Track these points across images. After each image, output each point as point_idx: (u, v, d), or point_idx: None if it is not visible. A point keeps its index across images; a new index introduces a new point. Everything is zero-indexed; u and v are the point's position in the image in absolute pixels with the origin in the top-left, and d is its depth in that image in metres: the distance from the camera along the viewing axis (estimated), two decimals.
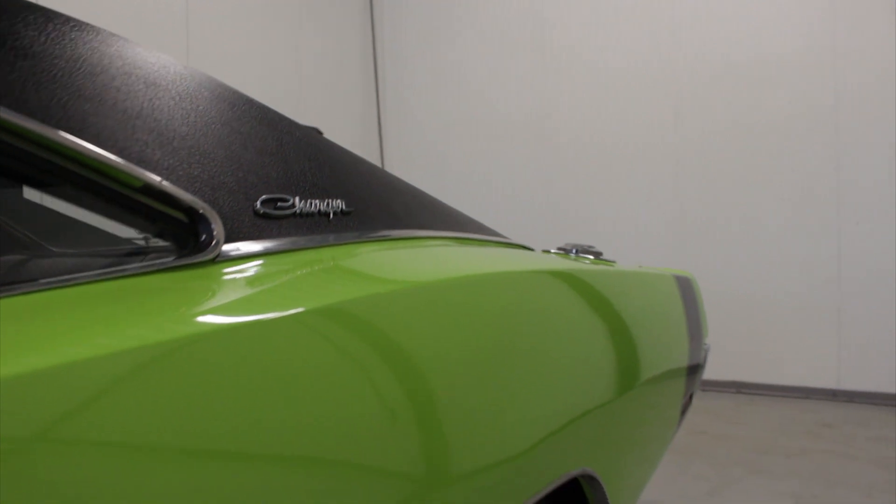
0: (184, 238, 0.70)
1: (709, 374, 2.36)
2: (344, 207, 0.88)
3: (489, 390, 0.84)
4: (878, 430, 3.32)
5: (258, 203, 0.76)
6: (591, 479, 1.08)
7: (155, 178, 0.67)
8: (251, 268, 0.72)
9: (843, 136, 3.84)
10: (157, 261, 0.68)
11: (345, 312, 0.70)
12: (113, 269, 0.64)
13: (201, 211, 0.70)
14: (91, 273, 0.62)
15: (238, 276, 0.69)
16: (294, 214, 0.80)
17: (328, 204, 0.86)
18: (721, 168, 4.14)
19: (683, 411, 1.63)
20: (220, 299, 0.66)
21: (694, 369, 1.66)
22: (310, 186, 0.84)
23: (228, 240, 0.71)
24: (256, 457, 0.58)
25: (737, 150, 4.10)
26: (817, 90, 3.88)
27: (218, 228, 0.70)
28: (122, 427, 0.49)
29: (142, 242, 0.84)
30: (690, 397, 1.74)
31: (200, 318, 0.61)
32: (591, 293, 1.18)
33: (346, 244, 0.86)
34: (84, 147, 0.62)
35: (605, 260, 1.41)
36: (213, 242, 0.69)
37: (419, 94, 5.17)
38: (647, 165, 4.37)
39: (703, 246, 4.15)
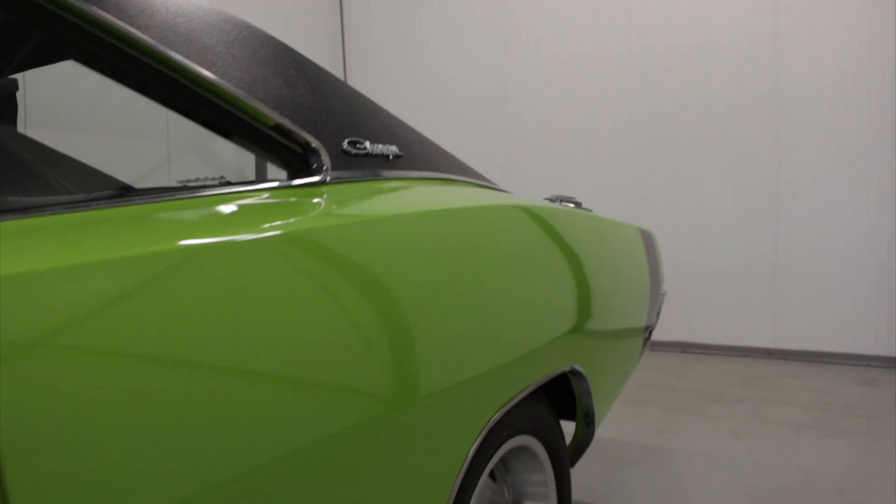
0: (299, 166, 0.97)
1: (657, 335, 2.68)
2: (397, 152, 1.15)
3: (508, 296, 1.13)
4: (809, 382, 3.73)
5: (345, 143, 1.03)
6: (578, 374, 1.38)
7: (284, 119, 0.93)
8: (348, 189, 0.98)
9: (781, 118, 4.23)
10: (283, 181, 0.94)
11: (413, 217, 0.98)
12: (251, 184, 0.90)
13: (314, 145, 0.96)
14: (236, 186, 0.87)
15: (341, 194, 0.96)
16: (367, 154, 1.07)
17: (388, 148, 1.13)
18: (670, 147, 4.49)
19: (645, 342, 1.94)
20: (335, 207, 0.93)
21: (654, 305, 1.98)
22: (375, 134, 1.11)
23: (331, 169, 0.98)
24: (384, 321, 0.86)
25: (684, 130, 4.46)
26: (759, 75, 4.25)
27: (326, 159, 0.97)
28: (273, 297, 0.72)
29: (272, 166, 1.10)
30: (650, 332, 2.06)
31: (325, 215, 0.88)
32: (575, 229, 1.47)
33: (400, 179, 1.14)
34: (244, 96, 0.88)
35: (584, 208, 1.70)
36: (324, 168, 0.96)
37: (384, 72, 5.40)
38: (602, 144, 4.70)
39: (652, 219, 4.51)
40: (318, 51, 5.22)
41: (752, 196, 4.33)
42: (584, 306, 1.39)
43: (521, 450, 1.32)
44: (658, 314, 2.10)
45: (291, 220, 0.81)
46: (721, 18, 4.35)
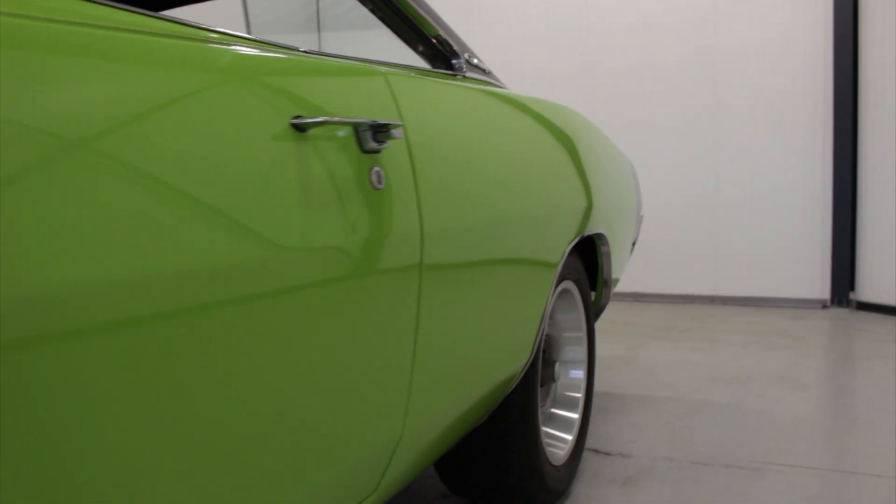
0: (445, 65, 1.51)
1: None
2: (486, 67, 1.70)
3: (577, 162, 1.70)
4: (748, 318, 4.44)
5: (466, 55, 1.58)
6: (602, 238, 1.95)
7: (446, 32, 1.48)
8: (471, 82, 1.53)
9: (719, 84, 4.93)
10: (439, 71, 1.48)
11: (520, 98, 1.54)
12: (417, 69, 1.43)
13: (457, 52, 1.51)
14: (404, 66, 1.41)
15: (472, 82, 1.51)
16: (476, 66, 1.62)
17: (482, 63, 1.68)
18: (619, 110, 5.12)
19: (631, 251, 2.53)
20: (473, 85, 1.47)
21: (638, 222, 2.58)
22: (473, 53, 1.66)
23: (464, 69, 1.53)
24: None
25: (633, 95, 5.12)
26: (699, 46, 4.94)
27: (464, 63, 1.52)
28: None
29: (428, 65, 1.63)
30: (634, 245, 2.65)
31: (472, 89, 1.43)
32: (604, 136, 2.06)
33: (494, 84, 1.69)
34: (421, 10, 1.43)
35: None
36: (464, 68, 1.51)
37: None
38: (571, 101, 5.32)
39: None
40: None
41: (693, 155, 5.01)
42: (611, 190, 1.97)
43: (565, 292, 1.88)
44: (637, 236, 2.70)
45: (454, 85, 1.35)
46: None
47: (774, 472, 2.01)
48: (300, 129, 0.79)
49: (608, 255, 2.02)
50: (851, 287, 4.70)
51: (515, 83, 2.03)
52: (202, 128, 0.68)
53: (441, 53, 1.51)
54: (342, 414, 0.89)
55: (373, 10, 1.40)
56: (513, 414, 1.57)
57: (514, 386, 1.52)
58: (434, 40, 1.48)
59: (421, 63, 1.53)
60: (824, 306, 4.76)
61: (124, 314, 0.57)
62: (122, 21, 0.66)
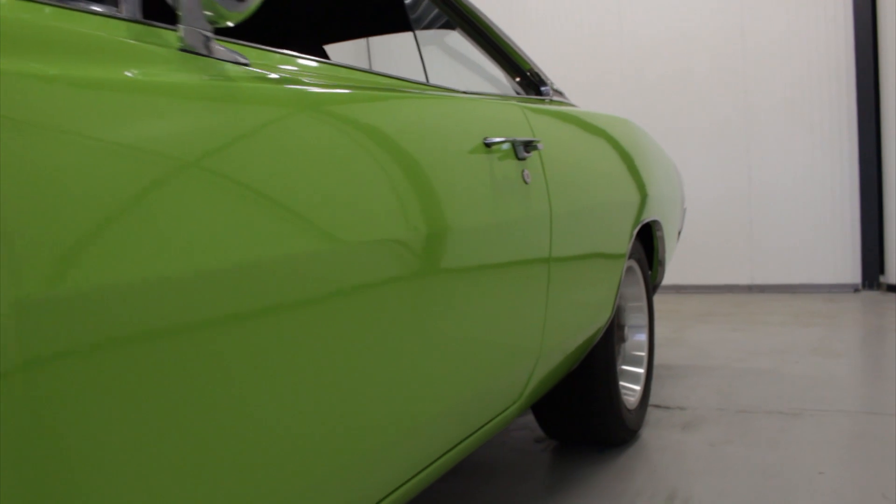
0: (535, 92, 1.99)
1: None
2: (560, 89, 2.18)
3: (645, 162, 2.18)
4: (784, 303, 4.86)
5: (552, 84, 2.06)
6: (657, 224, 2.42)
7: (534, 65, 1.96)
8: (557, 104, 2.01)
9: (749, 87, 5.36)
10: (522, 97, 1.96)
11: (600, 114, 2.02)
12: (506, 95, 1.91)
13: (546, 82, 1.99)
14: (494, 93, 1.90)
15: (559, 106, 1.99)
16: (557, 91, 2.10)
17: (559, 90, 2.16)
18: (656, 115, 5.57)
19: (679, 232, 2.99)
20: (559, 108, 1.95)
21: (682, 213, 3.04)
22: (552, 84, 2.14)
23: (550, 95, 2.01)
24: None
25: (669, 101, 5.57)
26: (729, 53, 5.39)
27: (550, 89, 2.00)
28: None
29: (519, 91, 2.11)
30: (679, 234, 3.10)
31: (558, 111, 1.91)
32: (655, 142, 2.53)
33: (572, 106, 2.17)
34: (517, 48, 1.91)
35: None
36: (550, 93, 1.99)
37: None
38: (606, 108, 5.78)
39: None
40: None
41: (727, 153, 5.45)
42: (662, 186, 2.44)
43: (629, 269, 2.35)
44: (681, 226, 3.15)
45: (552, 108, 1.83)
46: (695, 9, 5.47)
47: (809, 414, 2.45)
48: (488, 145, 1.27)
49: (662, 239, 2.49)
50: (881, 271, 5.11)
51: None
52: (438, 145, 1.16)
53: (533, 83, 1.99)
54: (505, 340, 1.36)
55: (486, 52, 1.88)
56: (597, 364, 2.04)
57: (598, 339, 1.99)
58: (528, 73, 1.96)
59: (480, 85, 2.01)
60: (856, 290, 5.17)
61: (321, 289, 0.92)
62: (373, 81, 1.15)
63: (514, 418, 1.58)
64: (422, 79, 1.46)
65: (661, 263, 2.57)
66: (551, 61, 5.89)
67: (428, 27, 1.90)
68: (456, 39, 1.94)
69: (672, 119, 5.57)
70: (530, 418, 2.52)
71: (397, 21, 1.88)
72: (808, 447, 2.17)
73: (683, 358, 3.38)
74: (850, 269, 5.23)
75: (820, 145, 5.22)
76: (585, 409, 2.11)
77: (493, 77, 1.98)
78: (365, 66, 2.17)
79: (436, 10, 1.81)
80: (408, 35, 1.96)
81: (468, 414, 1.27)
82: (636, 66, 5.69)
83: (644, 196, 2.23)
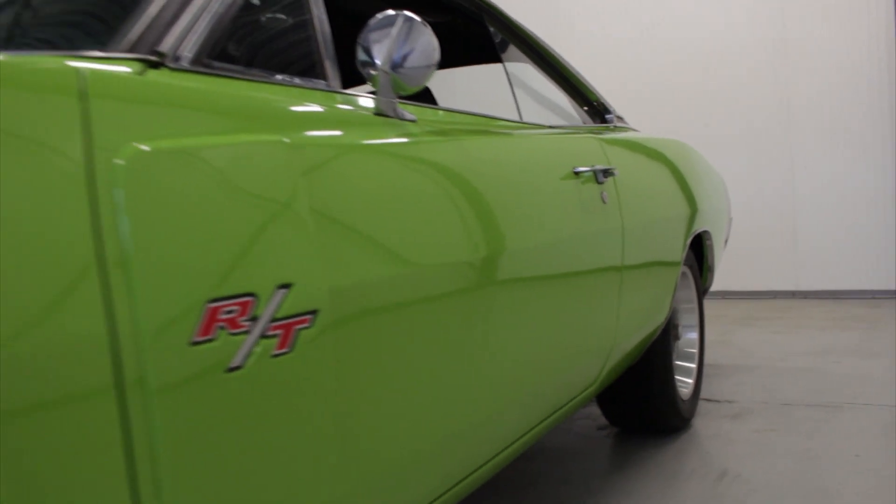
0: (600, 119, 2.32)
1: None
2: (620, 116, 2.50)
3: (698, 182, 2.49)
4: (827, 309, 5.11)
5: (614, 111, 2.38)
6: (707, 234, 2.72)
7: (600, 95, 2.29)
8: (621, 132, 2.33)
9: (790, 96, 5.62)
10: (592, 126, 2.29)
11: (646, 142, 2.34)
12: (581, 126, 2.24)
13: (610, 110, 2.32)
14: (571, 124, 2.22)
15: (624, 133, 2.32)
16: (619, 117, 2.42)
17: (622, 118, 2.48)
18: (699, 121, 5.84)
19: (726, 240, 3.29)
20: (621, 134, 2.28)
21: (728, 223, 3.33)
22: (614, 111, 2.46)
23: (614, 122, 2.33)
24: None
25: (712, 108, 5.85)
26: (771, 63, 5.66)
27: (613, 118, 2.32)
28: None
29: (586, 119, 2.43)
30: (725, 242, 3.40)
31: (624, 136, 2.24)
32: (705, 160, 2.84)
33: (628, 129, 2.48)
34: (584, 80, 2.25)
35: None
36: (614, 120, 2.32)
37: None
38: (651, 124, 6.07)
39: None
40: None
41: (768, 160, 5.71)
42: (711, 199, 2.74)
43: (683, 275, 2.65)
44: (728, 235, 3.44)
45: (620, 137, 2.15)
46: (734, 20, 5.75)
47: (849, 408, 2.74)
48: (576, 173, 1.61)
49: (711, 247, 2.79)
50: None
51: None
52: (544, 173, 1.49)
53: (598, 111, 2.31)
54: (588, 333, 1.69)
55: (558, 85, 2.21)
56: (656, 358, 2.35)
57: (657, 335, 2.30)
58: (595, 103, 2.29)
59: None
60: None
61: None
62: (482, 122, 1.49)
63: (590, 399, 1.90)
64: (515, 115, 1.80)
65: (711, 269, 2.87)
66: (593, 68, 6.20)
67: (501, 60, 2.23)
68: (527, 71, 2.27)
69: (714, 128, 5.84)
70: (592, 410, 2.84)
71: (485, 56, 2.20)
72: (846, 435, 2.46)
73: (730, 358, 3.67)
74: (894, 275, 5.45)
75: (861, 152, 5.46)
76: (644, 398, 2.42)
77: (564, 106, 2.31)
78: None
79: (510, 45, 2.14)
80: (487, 70, 2.30)
81: (560, 391, 1.60)
82: (676, 74, 5.97)
83: (696, 210, 2.53)
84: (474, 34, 2.02)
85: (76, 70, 0.71)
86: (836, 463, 2.22)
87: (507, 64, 2.21)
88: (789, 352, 3.73)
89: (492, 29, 1.98)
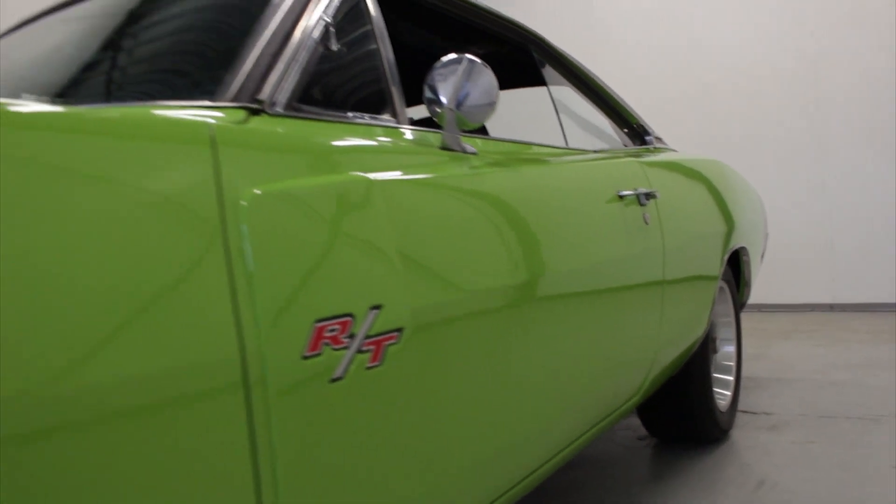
0: (640, 141, 2.43)
1: None
2: (659, 137, 2.60)
3: (735, 199, 2.59)
4: (866, 321, 5.13)
5: (654, 133, 2.49)
6: (744, 250, 2.81)
7: (639, 118, 2.40)
8: (661, 153, 2.44)
9: (823, 111, 5.66)
10: (633, 148, 2.40)
11: (684, 163, 2.44)
12: (622, 149, 2.35)
13: (649, 132, 2.42)
14: (612, 148, 2.33)
15: (664, 154, 2.42)
16: (658, 138, 2.53)
17: (660, 138, 2.58)
18: (731, 135, 5.91)
19: (762, 255, 3.36)
20: (661, 154, 2.38)
21: (765, 239, 3.41)
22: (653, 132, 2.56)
23: (654, 144, 2.44)
24: None
25: (744, 122, 5.91)
26: (802, 88, 5.71)
27: (652, 139, 2.43)
28: None
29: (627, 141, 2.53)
30: (762, 257, 3.47)
31: (665, 157, 2.34)
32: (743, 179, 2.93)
33: (667, 150, 2.59)
34: (624, 103, 2.35)
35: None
36: (653, 142, 2.42)
37: None
38: (683, 133, 6.15)
39: None
40: None
41: (802, 176, 5.75)
42: (747, 216, 2.83)
43: (720, 289, 2.74)
44: (764, 250, 3.52)
45: (660, 159, 2.26)
46: (766, 40, 5.81)
47: (887, 420, 2.80)
48: (621, 197, 1.72)
49: (748, 262, 2.88)
50: None
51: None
52: (592, 197, 1.61)
53: (638, 133, 2.42)
54: (633, 345, 1.79)
55: (600, 109, 2.33)
56: (695, 370, 2.44)
57: (696, 348, 2.39)
58: (635, 126, 2.39)
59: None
60: None
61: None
62: (536, 152, 1.61)
63: (632, 409, 2.00)
64: (561, 140, 1.91)
65: (748, 284, 2.96)
66: (625, 78, 6.29)
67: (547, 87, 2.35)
68: (569, 95, 2.39)
69: (745, 138, 5.90)
70: (633, 421, 2.93)
71: (531, 82, 2.32)
72: (885, 447, 2.52)
73: (767, 371, 3.73)
74: None
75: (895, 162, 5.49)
76: (684, 409, 2.51)
77: (605, 129, 2.42)
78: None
79: (553, 72, 2.26)
80: (534, 95, 2.41)
81: (607, 402, 1.71)
82: (707, 84, 6.04)
83: (732, 227, 2.63)
84: (522, 62, 2.14)
85: (206, 123, 0.84)
86: (875, 474, 2.29)
87: (550, 88, 2.33)
88: (828, 364, 3.78)
89: (537, 57, 2.10)
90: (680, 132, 6.05)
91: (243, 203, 0.80)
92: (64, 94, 1.23)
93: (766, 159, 5.87)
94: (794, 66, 5.76)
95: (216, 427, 0.74)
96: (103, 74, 1.28)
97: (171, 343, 0.70)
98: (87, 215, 0.66)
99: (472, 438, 1.15)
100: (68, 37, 1.43)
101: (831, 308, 5.72)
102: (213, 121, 0.85)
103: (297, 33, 1.13)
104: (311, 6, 1.19)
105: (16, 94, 1.18)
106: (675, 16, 6.23)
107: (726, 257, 2.54)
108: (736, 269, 2.90)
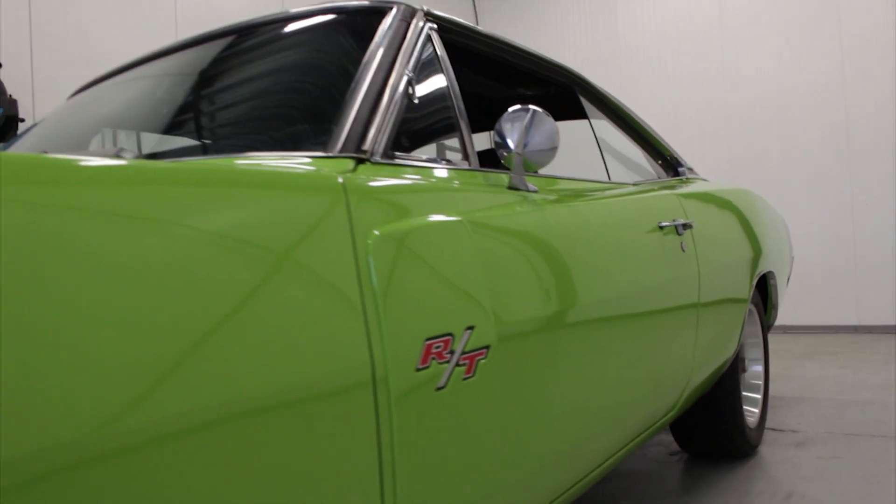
0: (673, 172, 2.60)
1: None
2: (691, 168, 2.78)
3: (761, 225, 2.76)
4: (891, 343, 5.25)
5: (685, 164, 2.67)
6: (771, 274, 2.97)
7: (672, 150, 2.58)
8: (692, 183, 2.61)
9: (851, 137, 5.81)
10: (668, 180, 2.57)
11: (730, 189, 2.61)
12: (650, 181, 2.53)
13: (682, 163, 2.60)
14: (647, 182, 2.51)
15: (696, 185, 2.59)
16: (690, 168, 2.70)
17: (692, 168, 2.76)
18: (764, 167, 6.07)
19: (788, 278, 3.52)
20: (693, 185, 2.55)
21: (790, 262, 3.57)
22: (685, 164, 2.74)
23: (686, 174, 2.62)
24: None
25: (774, 148, 6.06)
26: (830, 113, 5.87)
27: (685, 171, 2.61)
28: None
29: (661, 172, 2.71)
30: (788, 280, 3.63)
31: (696, 188, 2.52)
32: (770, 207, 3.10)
33: (699, 179, 2.76)
34: (659, 137, 2.53)
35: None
36: (684, 174, 2.60)
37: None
38: (713, 159, 6.32)
39: None
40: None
41: (830, 204, 5.90)
42: (774, 242, 2.99)
43: (749, 312, 2.90)
44: (790, 273, 3.67)
45: (694, 190, 2.43)
46: (796, 69, 5.97)
47: None
48: (661, 227, 1.89)
49: (775, 286, 3.04)
50: None
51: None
52: (637, 229, 1.79)
53: (672, 165, 2.60)
54: (671, 365, 1.96)
55: (636, 142, 2.51)
56: (725, 388, 2.60)
57: (727, 368, 2.55)
58: (668, 157, 2.57)
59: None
60: None
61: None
62: (587, 187, 1.79)
63: (667, 425, 2.17)
64: (604, 173, 2.10)
65: (775, 307, 3.12)
66: (654, 97, 6.47)
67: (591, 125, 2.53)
68: (607, 129, 2.57)
69: (775, 166, 6.06)
70: (665, 437, 3.08)
71: (573, 116, 2.51)
72: None
73: (793, 391, 3.87)
74: None
75: None
76: (715, 425, 2.67)
77: (641, 161, 2.60)
78: None
79: (595, 109, 2.45)
80: (579, 132, 2.59)
81: (646, 417, 1.88)
82: (737, 108, 6.21)
83: (760, 253, 2.79)
84: (566, 99, 2.33)
85: (335, 175, 1.03)
86: None
87: (592, 123, 2.51)
88: (852, 384, 3.92)
89: (580, 95, 2.28)
90: (710, 158, 6.23)
91: (369, 242, 0.99)
92: (186, 146, 1.44)
93: (794, 183, 6.02)
94: (823, 91, 5.93)
95: (350, 418, 0.92)
96: (212, 129, 1.49)
97: (319, 351, 0.88)
98: (248, 250, 0.84)
99: (538, 444, 1.33)
100: (184, 91, 1.63)
101: (856, 330, 5.84)
102: (343, 173, 1.04)
103: (388, 88, 1.32)
104: (398, 62, 1.38)
105: (151, 148, 1.38)
106: (702, 44, 6.42)
107: (755, 281, 2.70)
108: (764, 292, 3.06)
